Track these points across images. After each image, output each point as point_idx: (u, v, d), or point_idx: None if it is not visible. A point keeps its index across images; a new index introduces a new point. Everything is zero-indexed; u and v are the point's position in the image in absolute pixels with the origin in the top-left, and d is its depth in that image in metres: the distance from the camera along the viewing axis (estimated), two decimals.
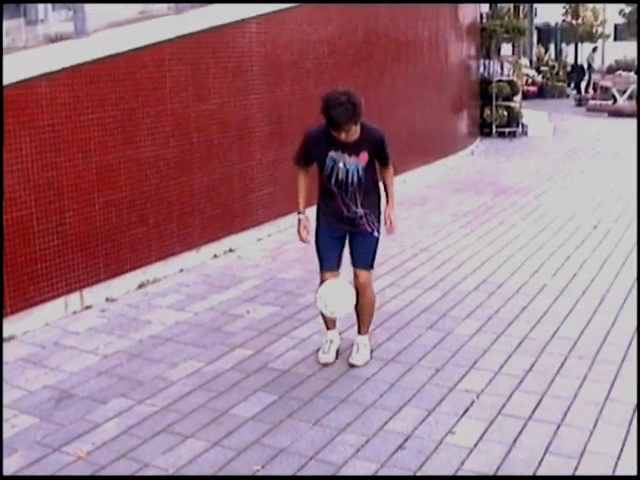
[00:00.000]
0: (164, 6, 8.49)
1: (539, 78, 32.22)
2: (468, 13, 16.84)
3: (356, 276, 5.70)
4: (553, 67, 35.12)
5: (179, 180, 8.01)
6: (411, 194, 12.03)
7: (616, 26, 57.86)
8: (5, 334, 6.21)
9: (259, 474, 4.29)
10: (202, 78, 8.27)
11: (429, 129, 14.09)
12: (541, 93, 30.48)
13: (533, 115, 20.69)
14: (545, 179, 13.39)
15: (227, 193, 8.72)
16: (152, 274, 7.71)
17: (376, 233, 5.68)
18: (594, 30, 48.14)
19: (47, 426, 4.84)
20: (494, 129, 19.16)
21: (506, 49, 20.41)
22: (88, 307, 6.98)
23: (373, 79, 11.81)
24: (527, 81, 28.26)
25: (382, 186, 5.75)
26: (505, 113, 19.18)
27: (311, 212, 5.70)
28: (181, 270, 8.04)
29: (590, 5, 48.91)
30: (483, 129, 18.91)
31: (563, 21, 45.43)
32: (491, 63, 19.28)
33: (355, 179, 5.49)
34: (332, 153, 5.45)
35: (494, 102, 18.92)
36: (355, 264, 5.70)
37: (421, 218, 10.52)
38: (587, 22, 47.79)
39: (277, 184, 9.55)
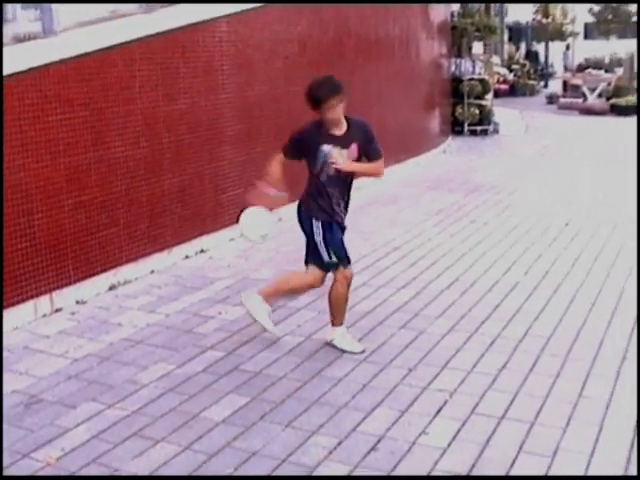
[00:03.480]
0: (134, 5, 8.42)
1: (510, 76, 32.39)
2: (439, 12, 16.85)
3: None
4: (524, 65, 35.32)
5: (149, 181, 7.94)
6: (383, 193, 12.01)
7: (586, 25, 58.40)
8: None
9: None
10: (172, 78, 8.21)
11: (401, 128, 14.07)
12: (513, 91, 30.64)
13: (505, 113, 20.77)
14: (517, 177, 13.41)
15: (198, 193, 8.66)
16: (123, 276, 7.64)
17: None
18: (564, 28, 48.51)
19: (16, 432, 4.77)
20: (466, 127, 19.21)
21: (477, 47, 20.45)
22: (58, 310, 6.90)
23: (345, 78, 11.64)
24: (498, 79, 28.39)
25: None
26: (477, 111, 19.24)
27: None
28: (152, 271, 7.97)
29: (560, 4, 49.27)
30: (455, 127, 18.95)
31: (533, 20, 45.75)
32: (462, 61, 19.33)
33: (343, 175, 5.66)
34: (324, 146, 5.58)
35: (466, 100, 18.97)
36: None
37: (393, 217, 10.50)
38: (557, 20, 48.17)
39: (249, 184, 9.45)
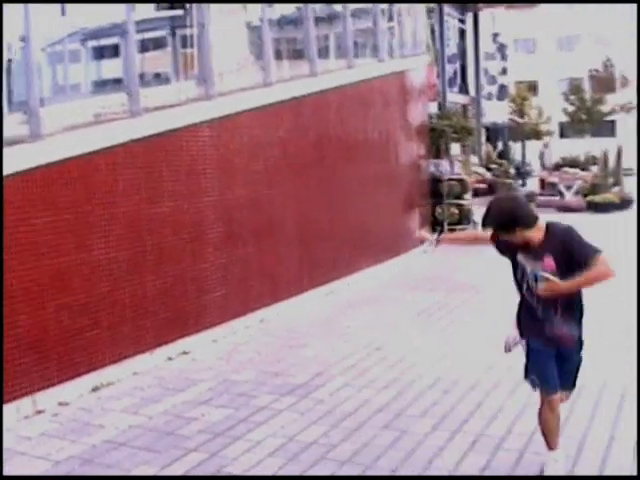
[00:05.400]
0: (119, 109, 8.61)
1: (489, 175, 32.90)
2: (417, 114, 17.20)
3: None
4: (502, 164, 35.95)
5: (132, 282, 8.01)
6: (364, 293, 12.10)
7: (561, 124, 59.79)
8: None
9: None
10: (155, 181, 8.35)
11: (382, 228, 14.24)
12: (491, 190, 31.06)
13: (484, 212, 21.01)
14: (497, 276, 13.47)
15: (180, 295, 8.72)
16: (106, 377, 7.63)
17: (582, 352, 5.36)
18: (539, 128, 49.62)
19: None
20: (446, 227, 19.41)
21: (455, 148, 20.84)
22: (40, 411, 6.88)
23: (325, 180, 11.97)
24: (477, 179, 28.83)
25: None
26: (456, 211, 19.49)
27: None
28: (135, 373, 7.97)
29: (535, 104, 50.55)
30: (435, 227, 19.12)
31: (510, 120, 46.75)
32: (441, 162, 19.66)
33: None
34: (520, 256, 5.20)
35: (445, 200, 19.24)
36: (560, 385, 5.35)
37: (375, 317, 10.55)
38: (532, 120, 49.28)
39: (230, 285, 9.58)
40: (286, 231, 10.94)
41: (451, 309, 10.98)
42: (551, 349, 5.23)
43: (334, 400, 7.07)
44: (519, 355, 8.38)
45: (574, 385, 5.47)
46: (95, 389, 7.47)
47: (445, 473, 5.51)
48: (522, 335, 5.39)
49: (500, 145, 43.38)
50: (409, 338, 9.36)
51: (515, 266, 5.27)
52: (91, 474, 5.59)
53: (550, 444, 5.39)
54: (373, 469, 5.62)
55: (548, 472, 5.37)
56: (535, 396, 7.05)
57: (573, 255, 4.97)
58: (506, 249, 5.30)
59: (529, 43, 67.50)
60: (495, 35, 41.40)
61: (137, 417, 6.78)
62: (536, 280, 5.08)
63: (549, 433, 5.37)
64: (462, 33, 34.37)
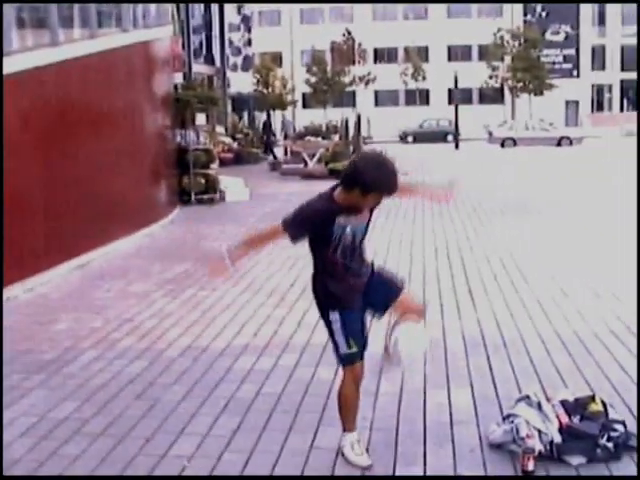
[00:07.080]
0: None
1: (235, 145, 33.28)
2: (162, 84, 17.16)
3: (402, 303, 5.18)
4: (247, 134, 36.46)
5: None
6: (112, 265, 12.02)
7: (304, 94, 61.34)
8: None
9: None
10: None
11: (127, 200, 14.11)
12: (238, 159, 31.44)
13: (230, 181, 21.31)
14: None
15: None
16: None
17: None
18: (284, 98, 50.72)
19: None
20: (193, 197, 19.53)
21: (201, 118, 20.96)
22: None
23: (71, 152, 11.73)
24: (223, 149, 29.10)
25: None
26: (203, 181, 19.68)
27: None
28: None
29: (279, 75, 51.60)
30: (182, 197, 19.21)
31: (255, 90, 47.52)
32: (187, 132, 19.73)
33: (358, 241, 4.97)
34: (340, 219, 4.83)
35: (192, 170, 19.33)
36: (393, 296, 5.16)
37: (124, 289, 10.51)
38: (277, 91, 50.28)
39: None
40: (32, 204, 10.64)
41: (199, 277, 11.11)
42: (361, 303, 5.05)
43: (85, 374, 7.04)
44: (265, 318, 8.68)
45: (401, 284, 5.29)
46: None
47: (198, 438, 5.65)
48: (332, 308, 5.00)
49: (246, 115, 43.97)
50: (159, 308, 9.42)
51: (330, 235, 4.85)
52: None
53: (348, 424, 5.20)
54: (127, 440, 5.67)
55: (350, 458, 5.15)
56: (287, 358, 7.39)
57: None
58: (322, 224, 4.86)
59: (273, 15, 68.68)
60: (239, 7, 41.77)
61: None
62: (359, 234, 4.94)
63: (348, 411, 5.17)
64: (207, 4, 34.44)
